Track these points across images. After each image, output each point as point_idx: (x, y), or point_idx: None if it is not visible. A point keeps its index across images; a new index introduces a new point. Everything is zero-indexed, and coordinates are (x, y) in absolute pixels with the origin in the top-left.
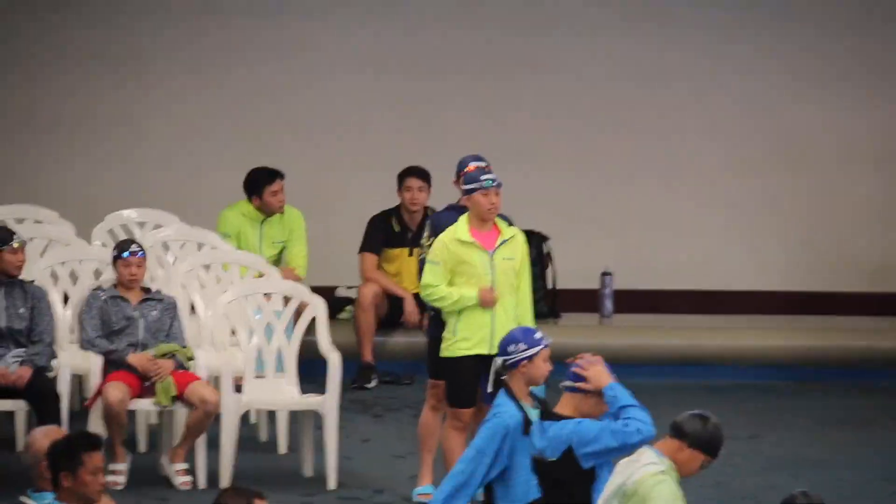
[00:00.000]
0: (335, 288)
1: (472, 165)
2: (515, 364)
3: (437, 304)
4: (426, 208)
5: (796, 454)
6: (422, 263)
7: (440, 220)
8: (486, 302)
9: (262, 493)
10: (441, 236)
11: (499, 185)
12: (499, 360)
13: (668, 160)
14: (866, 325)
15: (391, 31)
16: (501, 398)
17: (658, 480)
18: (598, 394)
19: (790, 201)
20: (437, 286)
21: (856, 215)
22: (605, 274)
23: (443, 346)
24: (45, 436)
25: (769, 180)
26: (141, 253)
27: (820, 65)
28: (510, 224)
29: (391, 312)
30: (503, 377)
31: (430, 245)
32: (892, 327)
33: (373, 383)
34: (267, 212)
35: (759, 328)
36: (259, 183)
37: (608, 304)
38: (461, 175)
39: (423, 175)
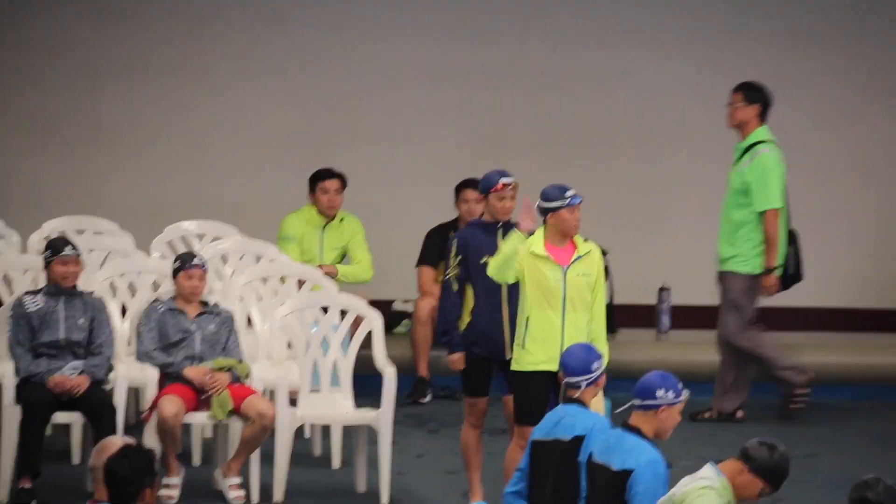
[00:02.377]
0: (392, 302)
1: (501, 182)
2: (656, 408)
3: (501, 268)
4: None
5: (854, 474)
6: (446, 284)
7: (465, 238)
8: (526, 228)
9: None
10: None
11: (581, 202)
12: (637, 401)
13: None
14: None
15: (455, 44)
16: (577, 409)
17: (701, 494)
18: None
19: (857, 215)
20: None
21: None
22: (662, 289)
23: (513, 358)
24: (103, 450)
25: (836, 194)
26: (203, 265)
27: (885, 78)
28: (585, 240)
29: None
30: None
31: (458, 264)
32: None
33: (427, 398)
34: (324, 213)
35: (820, 345)
36: (315, 179)
37: (665, 320)
38: (491, 191)
39: (476, 186)
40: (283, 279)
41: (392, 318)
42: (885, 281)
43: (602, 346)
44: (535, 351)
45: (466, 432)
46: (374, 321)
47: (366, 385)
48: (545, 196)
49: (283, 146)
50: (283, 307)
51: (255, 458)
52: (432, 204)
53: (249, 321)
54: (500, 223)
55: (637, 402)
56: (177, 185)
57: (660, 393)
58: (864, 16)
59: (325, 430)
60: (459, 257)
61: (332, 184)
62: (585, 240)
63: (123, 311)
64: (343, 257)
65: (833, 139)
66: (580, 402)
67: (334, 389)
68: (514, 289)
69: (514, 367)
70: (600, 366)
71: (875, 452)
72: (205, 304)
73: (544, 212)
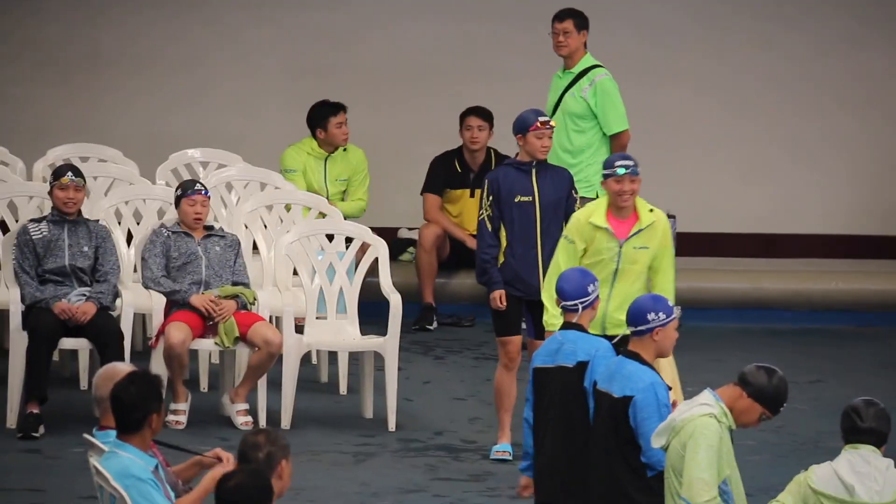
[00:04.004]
0: (397, 229)
1: (539, 121)
2: (650, 331)
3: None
4: (489, 149)
5: (858, 398)
6: (481, 224)
7: (497, 178)
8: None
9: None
10: (577, 213)
11: (634, 172)
12: (630, 329)
13: (732, 103)
14: None
15: None
16: (577, 334)
17: (703, 423)
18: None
19: (858, 144)
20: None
21: None
22: (668, 216)
23: (546, 318)
24: (108, 377)
25: (837, 123)
26: (205, 192)
27: (887, 9)
28: (651, 209)
29: (453, 254)
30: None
31: (490, 205)
32: None
33: (434, 325)
34: (331, 146)
35: (823, 271)
36: (324, 114)
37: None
38: (529, 130)
39: (483, 114)
40: (287, 207)
41: (397, 245)
42: (886, 208)
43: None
44: None
45: (501, 374)
46: (380, 248)
47: (372, 312)
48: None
49: (285, 78)
50: (289, 234)
51: (262, 384)
52: (436, 132)
53: (255, 248)
54: (535, 162)
55: (631, 328)
56: (180, 115)
57: (651, 316)
58: None
59: (332, 356)
60: (491, 197)
61: (342, 116)
62: (651, 209)
63: (129, 239)
64: (346, 189)
65: (835, 68)
66: (579, 327)
67: (340, 316)
68: (549, 229)
69: (547, 328)
70: (596, 288)
71: (878, 378)
72: (210, 228)
73: (603, 177)
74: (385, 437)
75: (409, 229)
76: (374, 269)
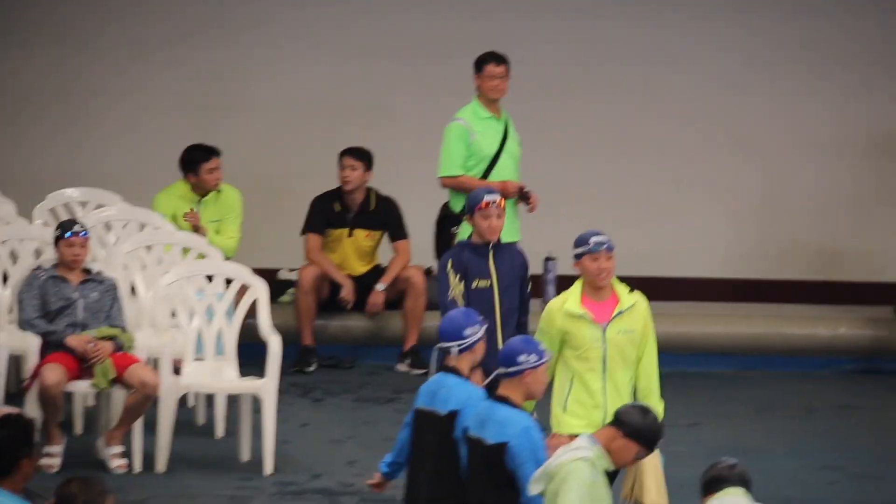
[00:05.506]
0: (277, 270)
1: (485, 200)
2: (520, 373)
3: None
4: (369, 189)
5: (736, 442)
6: (451, 303)
7: (459, 259)
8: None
9: (109, 492)
10: (550, 304)
11: (610, 249)
12: (502, 370)
13: (613, 144)
14: (810, 313)
15: (337, 14)
16: (454, 380)
17: (576, 467)
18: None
19: (739, 187)
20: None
21: (803, 203)
22: (548, 259)
23: (552, 421)
24: None
25: (719, 166)
26: (84, 233)
27: (770, 51)
28: (631, 290)
29: (333, 295)
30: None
31: (459, 282)
32: (834, 315)
33: (313, 367)
34: (203, 190)
35: (702, 314)
36: (196, 159)
37: (551, 290)
38: (476, 210)
39: (357, 154)
40: (167, 247)
41: (277, 286)
42: (766, 252)
43: (655, 403)
44: (576, 415)
45: None
46: (259, 290)
47: (251, 354)
48: (574, 242)
49: (167, 116)
50: (168, 275)
51: (138, 426)
52: (317, 172)
53: (133, 289)
54: (490, 244)
55: (502, 370)
56: (58, 154)
57: (522, 358)
58: None
59: (210, 399)
60: (458, 275)
61: (216, 161)
62: (631, 290)
63: (4, 279)
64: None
65: (717, 110)
66: (456, 371)
67: (219, 358)
68: (509, 312)
69: (554, 430)
70: (475, 332)
71: (755, 423)
72: (88, 271)
73: (575, 256)
74: (262, 480)
75: (290, 270)
76: (253, 311)
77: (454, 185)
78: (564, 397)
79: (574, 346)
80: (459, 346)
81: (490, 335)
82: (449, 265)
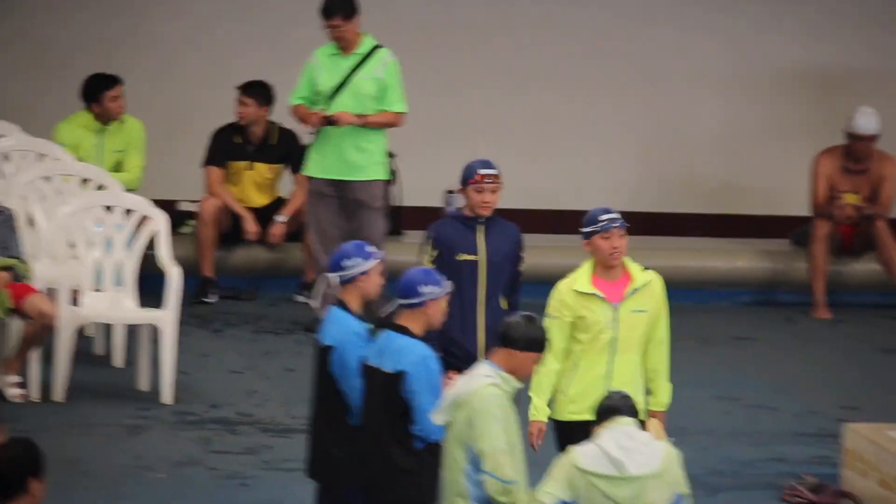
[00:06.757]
0: (177, 202)
1: (479, 174)
2: (352, 279)
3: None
4: (272, 123)
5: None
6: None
7: (443, 232)
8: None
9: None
10: (559, 285)
11: (622, 226)
12: (333, 277)
13: (517, 77)
14: (708, 246)
15: None
16: (339, 313)
17: (490, 393)
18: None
19: (642, 122)
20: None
21: (704, 137)
22: (449, 192)
23: (554, 406)
24: None
25: (621, 100)
26: None
27: None
28: (645, 268)
29: (234, 227)
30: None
31: (433, 259)
32: (732, 248)
33: (213, 298)
34: (106, 119)
35: None
36: (98, 88)
37: None
38: (469, 183)
39: (250, 90)
40: (67, 178)
41: (177, 218)
42: (669, 186)
43: (663, 384)
44: (578, 399)
45: None
46: (160, 221)
47: (151, 285)
48: (582, 221)
49: (67, 46)
50: (67, 206)
51: (36, 356)
52: (217, 105)
53: (32, 220)
54: (482, 218)
55: (402, 301)
56: None
57: (423, 289)
58: None
59: (109, 328)
60: (436, 252)
61: (118, 89)
62: (645, 268)
63: None
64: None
65: (621, 46)
66: (343, 305)
67: (118, 289)
68: (493, 292)
69: (555, 415)
70: (356, 265)
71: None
72: None
73: (584, 235)
74: (160, 409)
75: (190, 202)
76: (153, 242)
77: (294, 113)
78: (568, 382)
79: (585, 328)
80: (341, 276)
81: (470, 311)
82: (430, 237)
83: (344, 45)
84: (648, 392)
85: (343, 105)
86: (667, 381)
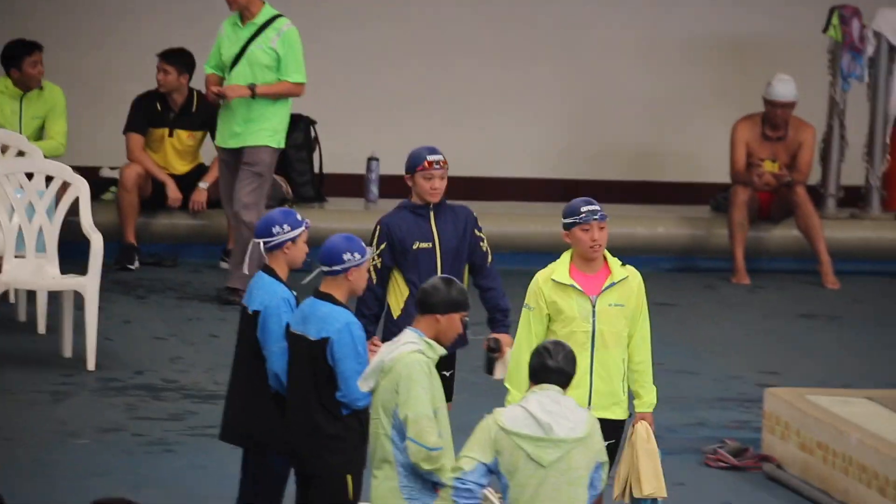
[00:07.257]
0: (99, 168)
1: (427, 160)
2: (279, 245)
3: None
4: (192, 90)
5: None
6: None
7: (391, 224)
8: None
9: None
10: (537, 276)
11: (603, 218)
12: (260, 243)
13: (439, 45)
14: (629, 213)
15: None
16: (266, 279)
17: (414, 359)
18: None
19: (562, 90)
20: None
21: (624, 105)
22: (371, 159)
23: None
24: None
25: (541, 68)
26: None
27: None
28: (623, 263)
29: (155, 194)
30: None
31: (380, 254)
32: (653, 215)
33: (135, 265)
34: (26, 85)
35: (525, 214)
36: (18, 54)
37: (374, 190)
38: (417, 170)
39: (169, 58)
40: None
41: (99, 184)
42: (586, 153)
43: (647, 385)
44: None
45: None
46: (81, 187)
47: (73, 252)
48: (563, 211)
49: None
50: None
51: None
52: (139, 70)
53: None
54: (432, 204)
55: (325, 268)
56: None
57: (346, 256)
58: None
59: (31, 295)
60: (384, 245)
61: (38, 55)
62: (623, 264)
63: None
64: (42, 128)
65: (536, 14)
66: (270, 271)
67: (40, 255)
68: (452, 276)
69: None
70: (282, 231)
71: None
72: None
73: (564, 226)
74: (84, 376)
75: (111, 168)
76: (74, 209)
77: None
78: None
79: (562, 320)
80: (266, 243)
81: None
82: (377, 231)
83: (244, 15)
84: (633, 396)
85: (240, 74)
86: (651, 381)
